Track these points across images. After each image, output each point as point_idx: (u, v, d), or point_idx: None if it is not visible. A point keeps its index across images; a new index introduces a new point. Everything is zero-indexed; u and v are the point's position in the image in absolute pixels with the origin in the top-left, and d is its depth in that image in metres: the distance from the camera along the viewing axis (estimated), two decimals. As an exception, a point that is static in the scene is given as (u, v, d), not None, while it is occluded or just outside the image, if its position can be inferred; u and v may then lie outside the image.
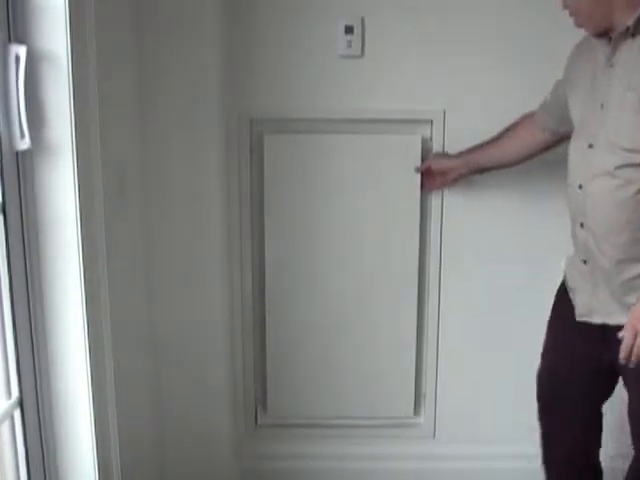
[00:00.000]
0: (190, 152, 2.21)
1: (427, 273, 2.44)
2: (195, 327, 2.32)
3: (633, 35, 1.70)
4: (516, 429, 2.34)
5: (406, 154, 2.34)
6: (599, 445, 2.04)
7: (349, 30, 2.25)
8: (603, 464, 2.07)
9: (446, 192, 2.36)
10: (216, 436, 2.42)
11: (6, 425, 1.54)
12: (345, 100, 2.31)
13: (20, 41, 1.44)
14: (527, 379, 2.08)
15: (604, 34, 1.76)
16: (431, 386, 2.52)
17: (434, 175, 2.31)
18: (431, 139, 2.34)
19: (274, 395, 2.51)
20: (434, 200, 2.37)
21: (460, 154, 2.25)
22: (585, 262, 1.86)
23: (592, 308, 1.87)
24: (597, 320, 1.86)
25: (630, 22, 1.68)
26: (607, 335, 1.82)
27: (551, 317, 2.04)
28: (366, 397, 2.50)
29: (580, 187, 1.81)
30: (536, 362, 2.04)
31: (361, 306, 2.44)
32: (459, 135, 2.30)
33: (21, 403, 1.55)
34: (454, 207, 2.37)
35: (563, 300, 1.99)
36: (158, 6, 2.10)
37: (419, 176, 2.33)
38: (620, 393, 1.92)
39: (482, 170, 2.24)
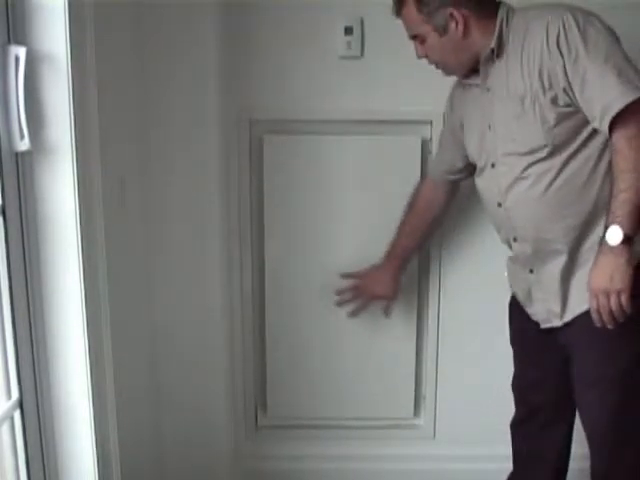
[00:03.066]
0: (189, 153, 2.21)
1: (427, 271, 2.44)
2: (194, 328, 2.32)
3: (498, 56, 1.78)
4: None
5: (406, 155, 2.34)
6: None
7: (348, 31, 2.25)
8: (574, 465, 2.13)
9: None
10: (216, 437, 2.42)
11: (6, 426, 1.54)
12: (344, 101, 2.31)
13: (20, 42, 1.44)
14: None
15: (472, 70, 1.86)
16: (431, 387, 2.52)
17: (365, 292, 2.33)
18: (431, 140, 2.34)
19: (274, 396, 2.51)
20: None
21: (387, 267, 2.27)
22: (532, 271, 1.91)
23: (551, 313, 1.90)
24: (557, 323, 1.89)
25: (493, 44, 1.77)
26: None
27: (510, 331, 2.12)
28: (366, 398, 2.50)
29: (499, 205, 1.87)
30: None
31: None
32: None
33: (21, 404, 1.54)
34: (454, 206, 2.36)
35: (514, 309, 2.06)
36: (158, 7, 2.10)
37: (419, 177, 2.33)
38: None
39: (414, 253, 2.32)
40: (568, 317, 1.85)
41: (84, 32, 1.54)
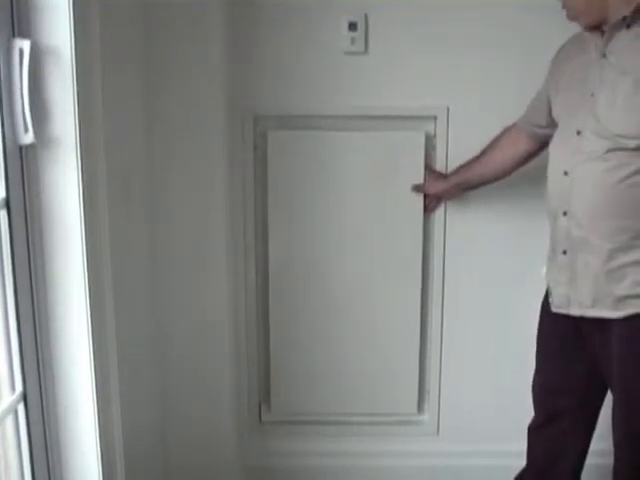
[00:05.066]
0: (194, 149, 2.21)
1: (431, 269, 2.44)
2: (199, 325, 2.32)
3: (628, 26, 1.72)
4: (519, 426, 2.33)
5: (410, 151, 2.34)
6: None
7: (352, 27, 2.25)
8: (593, 460, 2.10)
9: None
10: (220, 433, 2.42)
11: (10, 420, 1.53)
12: (349, 97, 2.31)
13: (24, 35, 1.44)
14: (531, 377, 2.08)
15: (596, 27, 1.77)
16: (435, 383, 2.52)
17: (430, 198, 2.37)
18: (435, 135, 2.34)
19: (278, 392, 2.51)
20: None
21: (450, 175, 2.30)
22: (565, 252, 1.86)
23: (570, 299, 1.87)
24: (575, 312, 1.87)
25: (627, 12, 1.69)
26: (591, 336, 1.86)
27: (539, 333, 2.05)
28: (370, 394, 2.50)
29: (565, 173, 1.81)
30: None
31: (365, 303, 2.44)
32: (463, 131, 2.31)
33: (25, 398, 1.54)
34: (458, 202, 2.37)
35: (546, 310, 2.00)
36: (163, 3, 2.10)
37: (423, 172, 2.34)
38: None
39: (473, 187, 2.28)
40: (595, 314, 1.82)
41: (89, 26, 1.53)
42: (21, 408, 1.55)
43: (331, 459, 2.51)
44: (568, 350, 1.97)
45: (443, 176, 2.33)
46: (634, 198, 1.72)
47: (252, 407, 2.54)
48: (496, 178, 2.21)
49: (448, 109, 2.31)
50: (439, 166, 2.36)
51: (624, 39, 1.73)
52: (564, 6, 1.81)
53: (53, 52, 1.46)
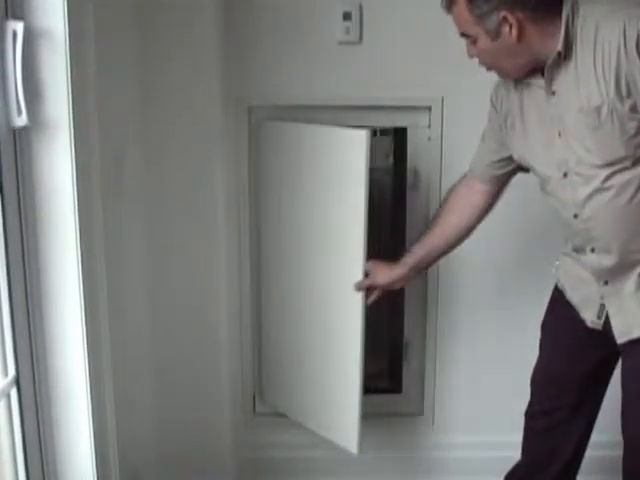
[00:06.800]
0: (188, 139, 2.22)
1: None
2: (194, 315, 2.33)
3: (565, 58, 1.64)
4: (514, 418, 2.33)
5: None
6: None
7: (347, 16, 2.26)
8: (598, 452, 2.10)
9: (445, 172, 2.35)
10: (214, 425, 2.42)
11: (2, 404, 1.52)
12: (343, 87, 2.31)
13: (17, 17, 1.43)
14: (525, 369, 2.08)
15: (531, 70, 1.72)
16: (430, 375, 2.52)
17: (372, 290, 2.14)
18: (429, 126, 2.34)
19: (272, 384, 2.50)
20: (434, 185, 2.38)
21: (404, 259, 2.08)
22: (607, 283, 1.79)
23: (629, 324, 1.78)
24: (637, 333, 1.78)
25: (560, 47, 1.62)
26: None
27: (546, 318, 2.02)
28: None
29: (575, 216, 1.74)
30: (534, 352, 2.03)
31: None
32: (457, 121, 2.32)
33: (17, 382, 1.53)
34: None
35: (558, 301, 1.96)
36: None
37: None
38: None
39: (433, 262, 2.12)
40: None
41: (83, 8, 1.53)
42: (14, 392, 1.54)
43: (326, 451, 2.50)
44: (576, 348, 1.93)
45: (390, 264, 2.10)
46: None
47: (246, 398, 2.54)
48: (458, 243, 2.05)
49: (443, 99, 2.31)
50: (434, 157, 2.35)
51: (566, 71, 1.65)
52: (490, 69, 1.76)
53: (46, 34, 1.45)
